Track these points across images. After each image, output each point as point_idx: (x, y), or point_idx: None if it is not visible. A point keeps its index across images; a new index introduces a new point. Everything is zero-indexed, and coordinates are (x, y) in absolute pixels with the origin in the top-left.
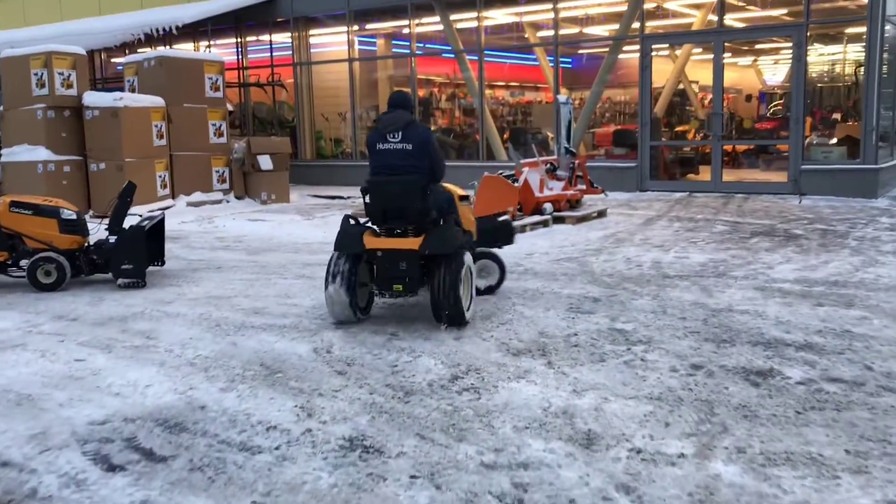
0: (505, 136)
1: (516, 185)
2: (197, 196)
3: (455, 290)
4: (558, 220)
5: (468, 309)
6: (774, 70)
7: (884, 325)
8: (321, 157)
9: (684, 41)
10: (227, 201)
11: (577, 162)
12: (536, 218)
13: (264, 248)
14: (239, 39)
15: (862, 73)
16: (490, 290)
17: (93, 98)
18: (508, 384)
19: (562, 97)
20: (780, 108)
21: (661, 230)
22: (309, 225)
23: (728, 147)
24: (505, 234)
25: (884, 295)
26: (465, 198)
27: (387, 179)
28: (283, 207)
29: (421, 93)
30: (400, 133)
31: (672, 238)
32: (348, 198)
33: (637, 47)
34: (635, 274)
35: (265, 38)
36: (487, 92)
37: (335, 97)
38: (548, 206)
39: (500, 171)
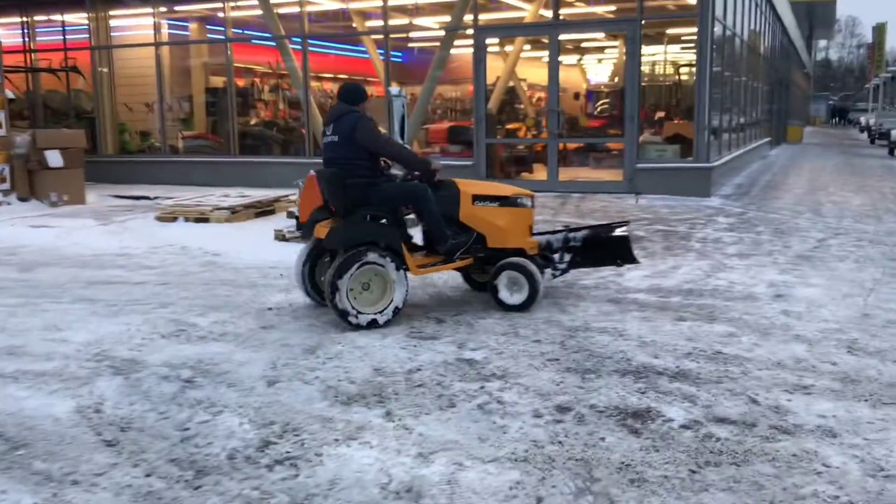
0: None
1: None
2: None
3: (333, 288)
4: None
5: (358, 316)
6: (598, 69)
7: (753, 342)
8: (126, 151)
9: (519, 34)
10: (9, 203)
11: None
12: None
13: (42, 263)
14: (24, 19)
15: (686, 72)
16: (521, 308)
17: None
18: (336, 449)
19: (394, 89)
20: (606, 106)
21: None
22: (103, 232)
23: (560, 145)
24: (623, 251)
25: (742, 305)
26: (496, 198)
27: (319, 172)
28: (77, 210)
29: (240, 83)
30: (332, 126)
31: None
32: (155, 198)
33: (470, 42)
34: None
35: (57, 17)
36: (315, 84)
37: (143, 86)
38: None
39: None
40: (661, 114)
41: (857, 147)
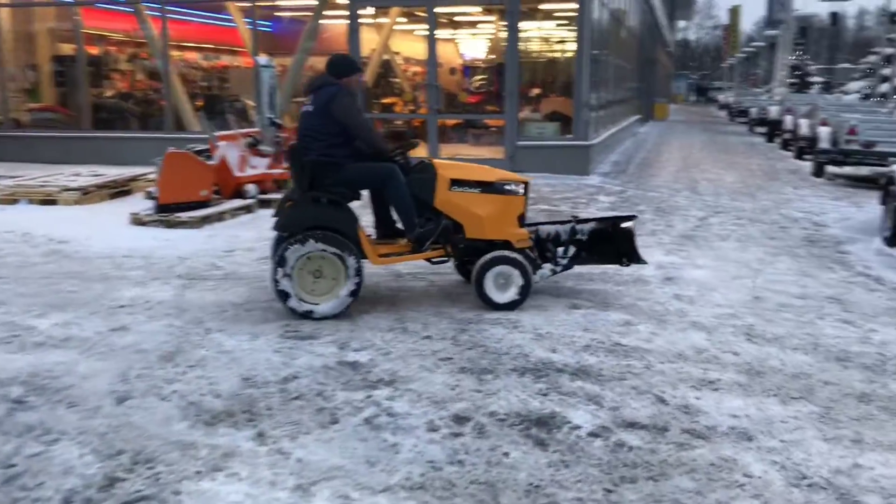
0: (198, 104)
1: (210, 162)
2: None
3: (276, 271)
4: (265, 204)
5: (301, 303)
6: (473, 45)
7: (650, 331)
8: None
9: (394, 4)
10: None
11: (284, 135)
12: (237, 203)
13: None
14: None
15: (561, 49)
16: (511, 306)
17: None
18: (198, 484)
19: (262, 59)
20: (484, 82)
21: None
22: None
23: (439, 122)
24: (628, 248)
25: (634, 290)
26: (478, 184)
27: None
28: None
29: (93, 51)
30: (311, 96)
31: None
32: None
33: (343, 12)
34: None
35: None
36: (176, 54)
37: None
38: (251, 188)
39: (191, 146)
40: (536, 90)
41: (718, 124)
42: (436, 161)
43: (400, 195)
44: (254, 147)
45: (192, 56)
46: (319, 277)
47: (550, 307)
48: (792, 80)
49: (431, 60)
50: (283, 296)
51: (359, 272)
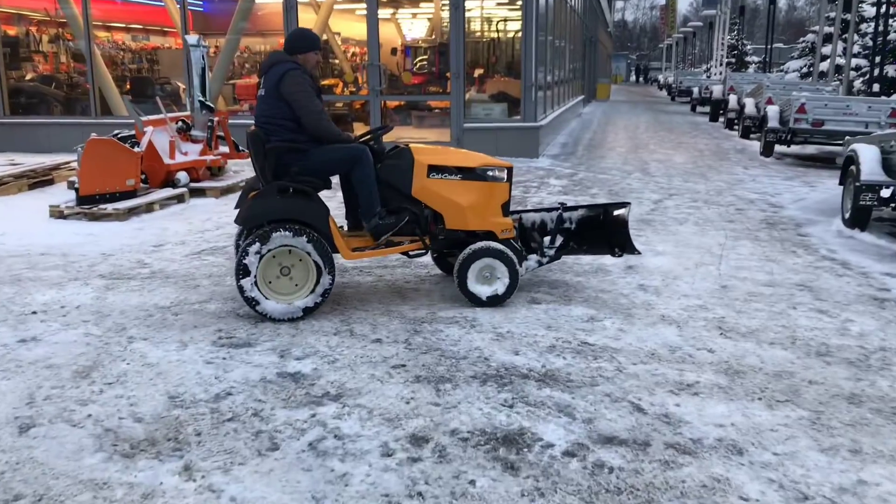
0: (128, 87)
1: (137, 149)
2: None
3: (239, 270)
4: (197, 193)
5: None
6: (413, 24)
7: (618, 328)
8: None
9: None
10: None
11: (216, 119)
12: (168, 192)
13: None
14: None
15: (504, 28)
16: (495, 301)
17: None
18: None
19: (192, 38)
20: (425, 62)
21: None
22: None
23: (381, 103)
24: (621, 238)
25: (595, 280)
26: (458, 170)
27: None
28: None
29: (10, 30)
30: (262, 78)
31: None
32: None
33: None
34: None
35: None
36: (103, 35)
37: None
38: (182, 176)
39: (116, 132)
40: (479, 71)
41: (660, 104)
42: (413, 146)
43: (364, 179)
44: (184, 132)
45: (121, 37)
46: (285, 276)
47: (509, 303)
48: (729, 60)
49: (373, 40)
50: (251, 302)
51: (328, 268)
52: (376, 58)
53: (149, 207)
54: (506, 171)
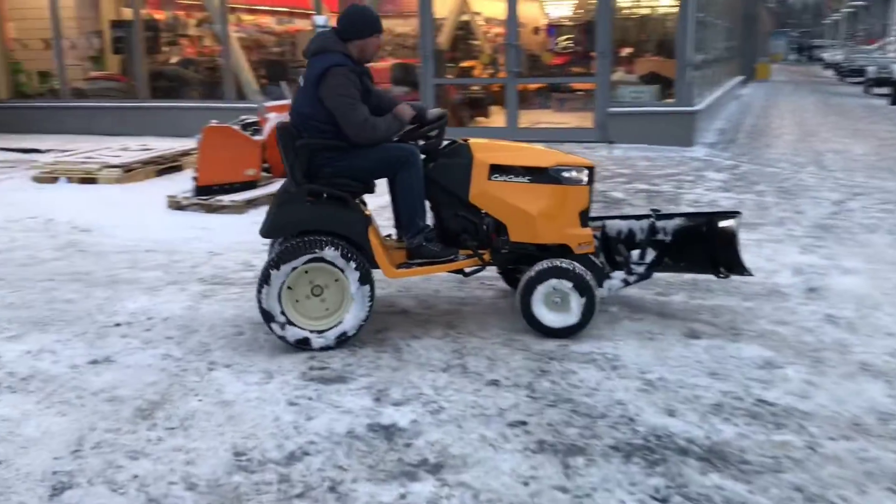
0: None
1: (258, 138)
2: None
3: (263, 278)
4: None
5: (286, 326)
6: (557, 2)
7: (805, 379)
8: (23, 95)
9: None
10: None
11: None
12: None
13: None
14: None
15: (660, 4)
16: (568, 332)
17: None
18: None
19: (320, 18)
20: (570, 41)
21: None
22: None
23: (520, 86)
24: (728, 254)
25: (768, 307)
26: (527, 171)
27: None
28: None
29: (159, 15)
30: (308, 62)
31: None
32: (47, 151)
33: None
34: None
35: None
36: (248, 18)
37: (42, 19)
38: None
39: (242, 118)
40: (629, 50)
41: (827, 85)
42: (473, 141)
43: (409, 187)
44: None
45: (266, 20)
46: (316, 296)
47: (659, 334)
48: None
49: (511, 18)
50: (268, 317)
51: (368, 295)
52: (514, 37)
53: (269, 199)
54: (586, 171)
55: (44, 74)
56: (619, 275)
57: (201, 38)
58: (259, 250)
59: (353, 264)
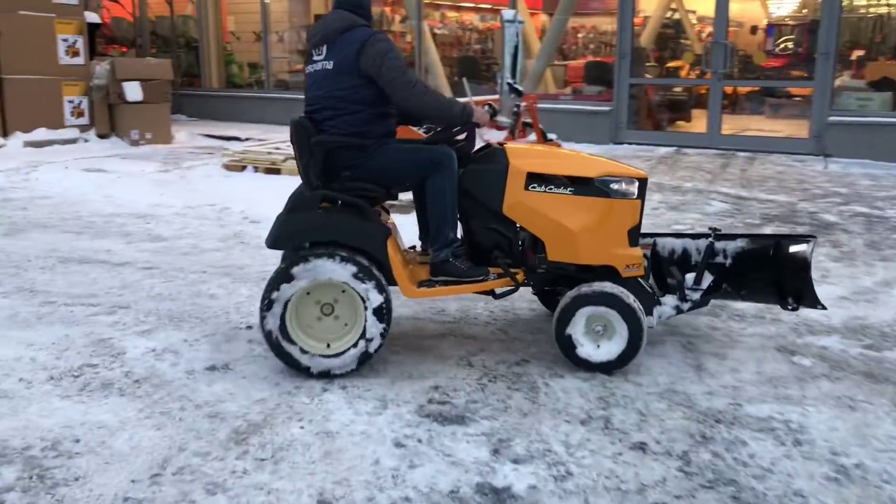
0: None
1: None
2: (40, 133)
3: (265, 304)
4: None
5: (303, 355)
6: (781, 2)
7: None
8: (234, 85)
9: None
10: (86, 140)
11: (524, 104)
12: None
13: (41, 224)
14: None
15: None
16: (610, 367)
17: None
18: None
19: (507, 13)
20: (790, 43)
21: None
22: (151, 182)
23: (728, 88)
24: (800, 284)
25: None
26: (569, 181)
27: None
28: (153, 151)
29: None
30: (325, 47)
31: (647, 220)
32: (246, 139)
33: None
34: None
35: None
36: (452, 15)
37: (256, 13)
38: None
39: None
40: (858, 53)
41: None
42: (509, 146)
43: (440, 193)
44: (491, 118)
45: (454, 16)
46: (328, 315)
47: (865, 403)
48: None
49: (721, 14)
50: (272, 342)
51: (386, 313)
52: (723, 35)
53: None
54: (637, 183)
55: (253, 66)
56: (671, 300)
57: (404, 35)
58: None
59: (365, 277)
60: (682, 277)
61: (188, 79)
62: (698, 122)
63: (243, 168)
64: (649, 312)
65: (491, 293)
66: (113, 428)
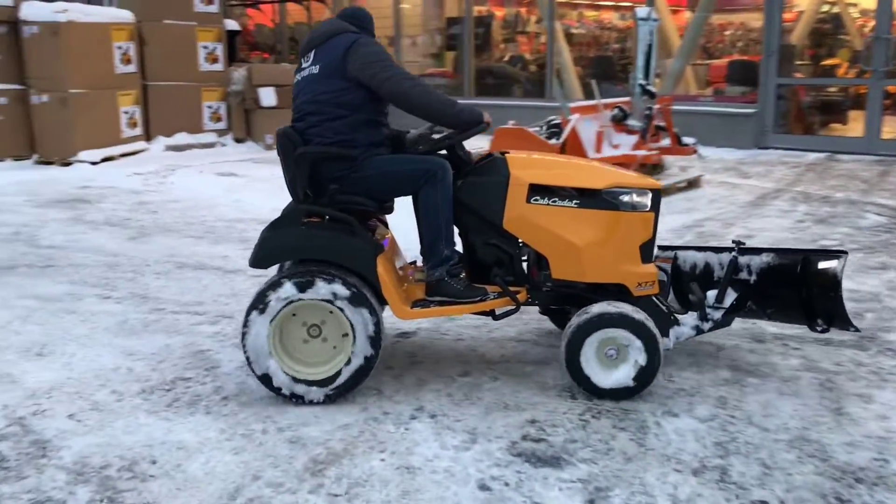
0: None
1: (553, 141)
2: (181, 138)
3: (245, 323)
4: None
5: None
6: None
7: None
8: None
9: None
10: (223, 145)
11: (657, 107)
12: None
13: (169, 226)
14: None
15: None
16: (624, 394)
17: (31, 10)
18: None
19: (642, 10)
20: None
21: (778, 218)
22: (281, 186)
23: (891, 88)
24: (829, 304)
25: None
26: (574, 193)
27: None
28: None
29: (500, 12)
30: (313, 52)
31: (790, 234)
32: None
33: None
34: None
35: None
36: (590, 14)
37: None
38: None
39: (550, 118)
40: None
41: None
42: (511, 155)
43: (433, 206)
44: (620, 121)
45: (591, 15)
46: (315, 337)
47: None
48: None
49: (884, 5)
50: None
51: (375, 338)
52: (886, 30)
53: None
54: (650, 194)
55: None
56: (690, 320)
57: (538, 35)
58: None
59: (352, 296)
60: (703, 295)
61: None
62: (855, 126)
63: None
64: (665, 334)
65: (490, 314)
66: (192, 449)
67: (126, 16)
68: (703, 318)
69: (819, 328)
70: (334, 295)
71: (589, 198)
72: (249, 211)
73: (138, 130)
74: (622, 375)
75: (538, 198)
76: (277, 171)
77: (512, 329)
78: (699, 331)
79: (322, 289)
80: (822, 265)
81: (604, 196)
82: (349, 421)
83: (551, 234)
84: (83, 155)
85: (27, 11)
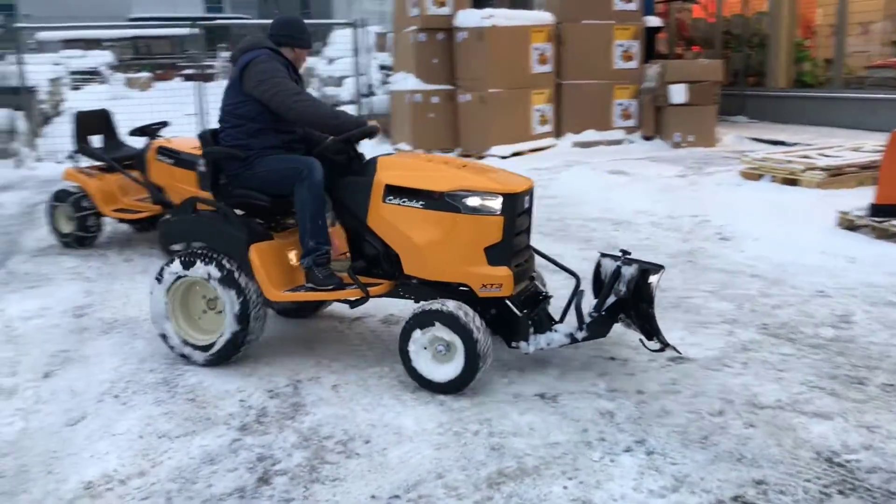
0: None
1: None
2: (589, 135)
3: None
4: None
5: (185, 345)
6: None
7: None
8: (803, 84)
9: None
10: (630, 142)
11: None
12: None
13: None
14: None
15: None
16: (448, 388)
17: (463, 17)
18: None
19: None
20: None
21: None
22: (662, 187)
23: None
24: (644, 315)
25: None
26: (420, 194)
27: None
28: (691, 154)
29: None
30: (231, 66)
31: None
32: (794, 144)
33: None
34: None
35: None
36: None
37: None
38: None
39: None
40: None
41: None
42: (386, 157)
43: (301, 203)
44: None
45: None
46: (212, 310)
47: None
48: None
49: None
50: (163, 336)
51: (241, 316)
52: None
53: None
54: (500, 198)
55: (830, 62)
56: (564, 328)
57: None
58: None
59: (224, 278)
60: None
61: (754, 78)
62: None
63: (760, 177)
64: (518, 337)
65: (347, 302)
66: (405, 436)
67: (546, 18)
68: (580, 326)
69: (653, 345)
70: (209, 275)
71: (432, 200)
72: (612, 210)
73: (548, 127)
74: (447, 370)
75: (392, 198)
76: (665, 171)
77: (798, 374)
78: (573, 339)
79: (200, 269)
80: (650, 279)
81: (445, 199)
82: (561, 440)
83: (399, 233)
84: (495, 150)
85: (461, 19)
